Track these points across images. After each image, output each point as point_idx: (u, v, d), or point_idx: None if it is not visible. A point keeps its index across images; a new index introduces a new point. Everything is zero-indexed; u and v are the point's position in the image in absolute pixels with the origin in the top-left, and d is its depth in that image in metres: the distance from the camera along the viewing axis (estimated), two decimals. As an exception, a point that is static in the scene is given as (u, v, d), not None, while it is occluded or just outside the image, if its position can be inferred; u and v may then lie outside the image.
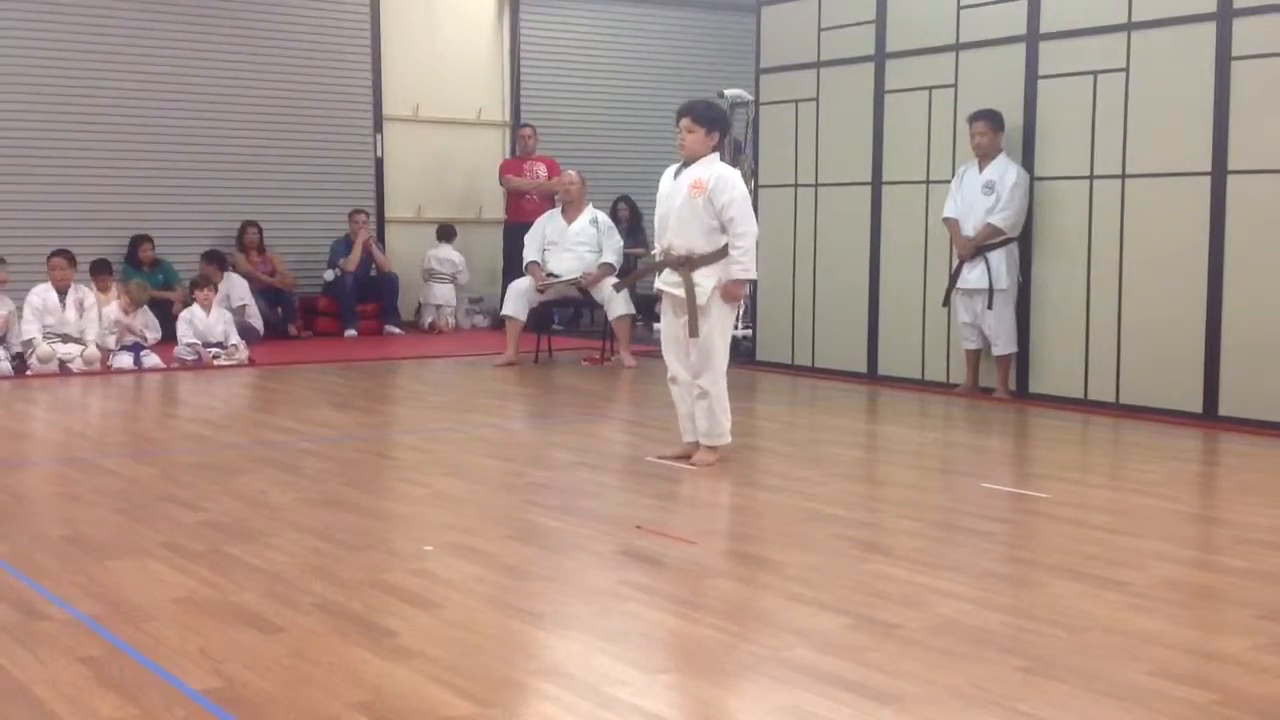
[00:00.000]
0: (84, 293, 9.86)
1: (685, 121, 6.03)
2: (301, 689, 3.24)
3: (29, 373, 9.45)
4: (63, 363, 9.53)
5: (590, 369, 10.13)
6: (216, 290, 10.82)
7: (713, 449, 6.14)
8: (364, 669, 3.38)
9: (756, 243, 6.06)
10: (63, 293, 9.73)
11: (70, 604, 3.94)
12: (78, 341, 9.70)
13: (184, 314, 10.35)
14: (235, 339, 10.36)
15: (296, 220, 12.75)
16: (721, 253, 5.97)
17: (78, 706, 3.13)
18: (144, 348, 10.02)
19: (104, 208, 11.77)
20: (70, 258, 9.87)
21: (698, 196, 5.95)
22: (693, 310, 5.96)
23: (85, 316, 9.76)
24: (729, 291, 5.98)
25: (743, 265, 5.96)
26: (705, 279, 5.97)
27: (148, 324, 10.23)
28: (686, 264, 5.99)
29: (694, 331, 5.98)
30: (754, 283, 9.85)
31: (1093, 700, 3.18)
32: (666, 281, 6.13)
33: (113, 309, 10.04)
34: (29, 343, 9.52)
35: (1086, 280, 7.98)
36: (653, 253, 6.44)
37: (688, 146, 6.04)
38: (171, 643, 3.58)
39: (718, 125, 6.09)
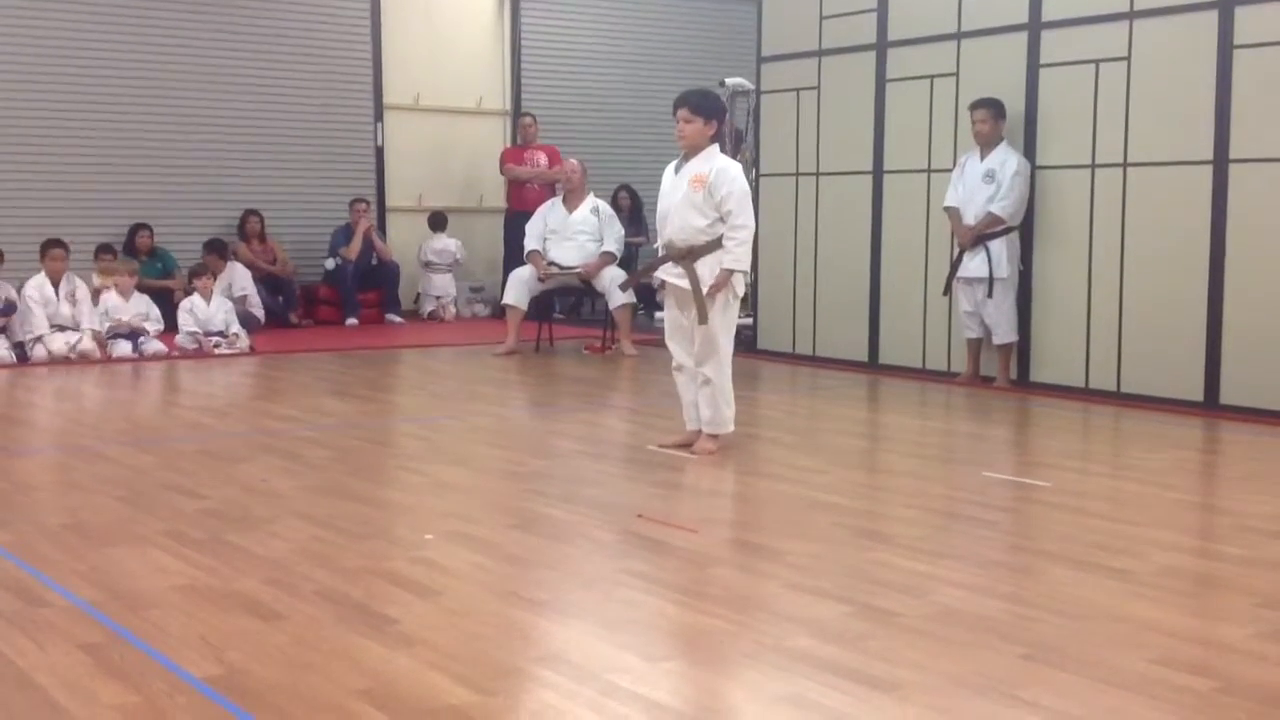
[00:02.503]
0: (76, 283, 9.87)
1: (683, 112, 6.02)
2: (303, 676, 3.24)
3: (30, 361, 9.45)
4: (70, 346, 9.54)
5: (591, 358, 10.13)
6: (215, 279, 10.79)
7: (714, 437, 6.14)
8: (365, 656, 3.38)
9: (753, 237, 6.04)
10: (56, 284, 9.74)
11: (71, 591, 3.94)
12: (74, 330, 9.72)
13: (184, 303, 10.34)
14: (236, 328, 10.35)
15: (297, 209, 12.74)
16: (721, 242, 5.97)
17: (79, 694, 3.13)
18: (144, 334, 9.98)
19: (105, 196, 11.76)
20: (66, 248, 9.89)
21: (698, 191, 5.95)
22: (699, 300, 5.95)
23: (78, 307, 9.77)
24: (717, 282, 5.94)
25: (734, 256, 5.94)
26: (707, 269, 5.97)
27: (149, 315, 10.17)
28: (689, 256, 5.99)
29: (703, 319, 5.97)
30: (755, 272, 9.88)
31: (1093, 688, 3.18)
32: (670, 273, 6.14)
33: (112, 296, 10.01)
34: (39, 339, 9.51)
35: (1088, 269, 7.97)
36: (654, 245, 6.43)
37: (686, 137, 6.03)
38: (173, 630, 3.58)
39: (715, 114, 6.08)
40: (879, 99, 9.17)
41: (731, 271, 5.96)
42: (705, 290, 5.95)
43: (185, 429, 7.06)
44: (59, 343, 9.52)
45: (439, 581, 4.06)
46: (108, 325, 9.86)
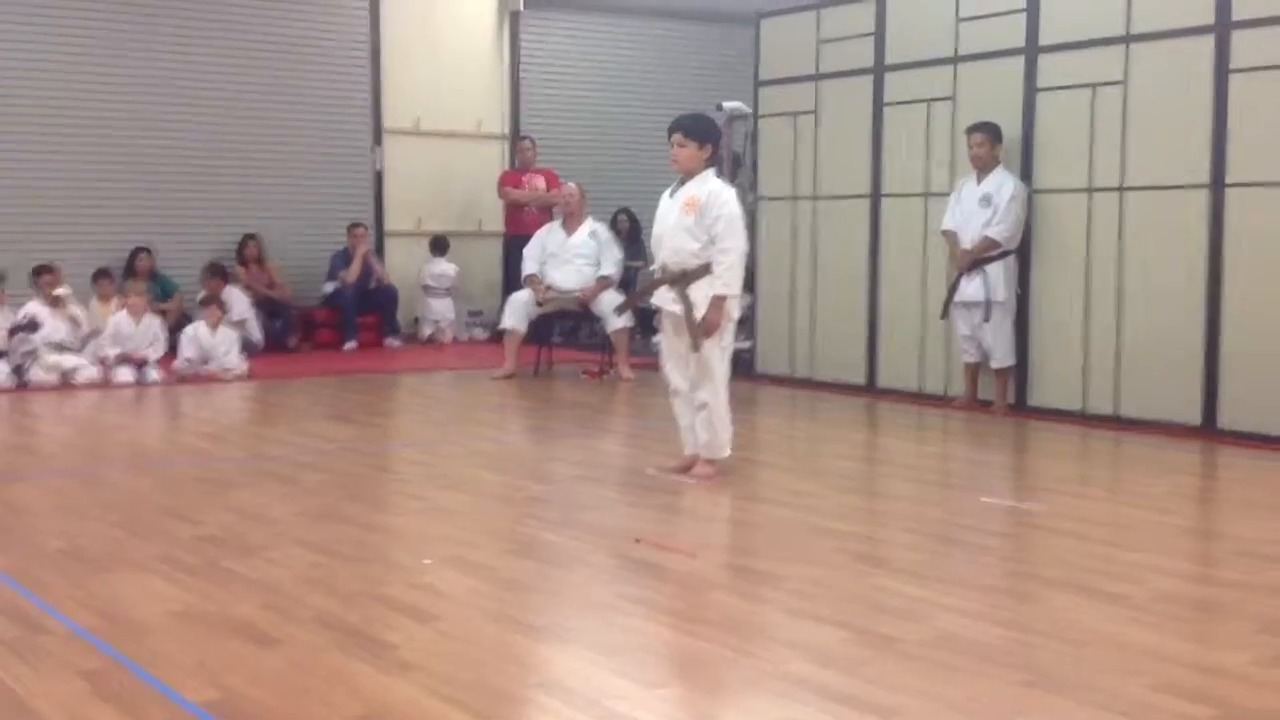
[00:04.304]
0: (73, 306, 9.92)
1: (676, 136, 6.03)
2: (300, 702, 3.23)
3: (30, 385, 9.44)
4: (64, 374, 9.54)
5: (589, 382, 10.13)
6: (223, 308, 10.67)
7: (712, 462, 6.14)
8: (362, 682, 3.37)
9: (744, 259, 6.00)
10: (51, 307, 9.78)
11: (69, 617, 3.93)
12: (73, 351, 9.73)
13: (188, 329, 10.29)
14: (236, 360, 10.23)
15: (296, 233, 12.75)
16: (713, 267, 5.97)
17: (76, 720, 3.12)
18: (147, 362, 9.94)
19: (104, 222, 11.77)
20: (58, 272, 9.99)
21: (690, 214, 5.95)
22: (692, 326, 5.95)
23: (78, 330, 9.82)
24: (709, 320, 5.92)
25: (724, 281, 5.91)
26: (701, 293, 5.96)
27: (156, 339, 10.13)
28: (682, 280, 5.99)
29: (696, 346, 5.96)
30: (753, 295, 9.89)
31: (1092, 714, 3.17)
32: (664, 298, 6.13)
33: (122, 317, 9.99)
34: (31, 353, 9.52)
35: (1085, 293, 7.98)
36: (651, 269, 6.44)
37: (680, 161, 6.04)
38: (170, 656, 3.57)
39: (709, 138, 6.09)
40: (876, 123, 9.19)
41: (724, 298, 5.95)
42: (699, 324, 5.93)
43: (183, 454, 7.05)
44: (52, 360, 9.52)
45: (437, 607, 4.05)
46: (116, 353, 9.81)
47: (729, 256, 5.91)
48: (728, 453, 6.17)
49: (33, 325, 9.55)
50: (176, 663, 3.52)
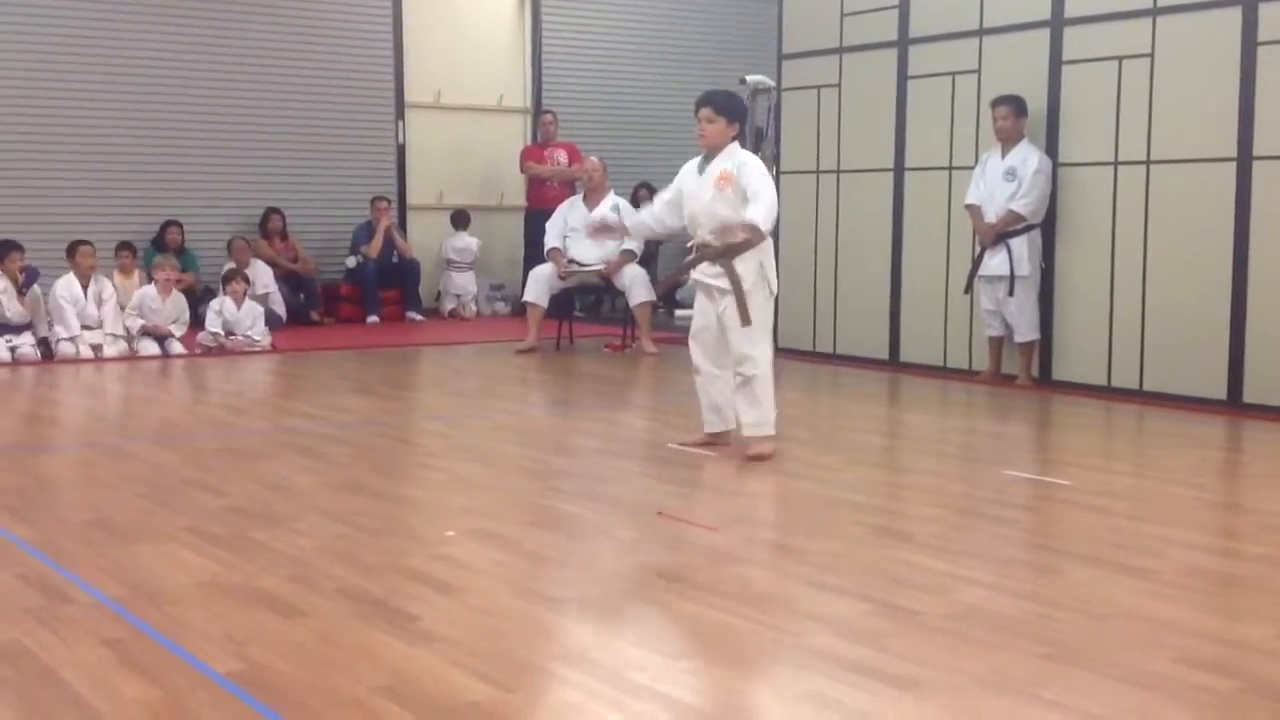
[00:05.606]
0: (103, 284, 9.93)
1: (705, 112, 5.99)
2: (324, 672, 3.26)
3: (55, 358, 9.50)
4: (95, 346, 9.59)
5: (611, 355, 10.14)
6: (247, 281, 10.72)
7: (766, 439, 5.96)
8: (386, 653, 3.39)
9: (774, 207, 5.82)
10: (85, 284, 9.80)
11: (95, 587, 3.96)
12: (98, 329, 9.78)
13: (214, 303, 10.34)
14: (260, 333, 10.29)
15: (319, 207, 12.77)
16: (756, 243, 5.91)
17: (102, 689, 3.15)
18: (170, 337, 9.99)
19: (127, 195, 11.80)
20: (94, 247, 10.01)
21: (726, 188, 5.90)
22: (740, 299, 5.86)
23: (103, 309, 9.82)
24: (729, 229, 5.77)
25: (753, 210, 5.73)
26: (745, 266, 5.90)
27: (180, 318, 10.17)
28: (727, 254, 5.92)
29: (746, 320, 5.87)
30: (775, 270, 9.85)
31: (1114, 687, 3.17)
32: (706, 273, 6.05)
33: (150, 291, 10.02)
34: (74, 339, 9.55)
35: (1110, 267, 7.94)
36: (688, 245, 6.35)
37: (708, 137, 6.00)
38: (195, 626, 3.60)
39: (738, 116, 6.05)
40: (900, 96, 9.15)
41: (754, 225, 5.73)
42: (754, 284, 5.84)
43: (208, 426, 7.09)
44: (87, 344, 9.57)
45: (459, 578, 4.07)
46: (140, 325, 9.86)
47: (761, 199, 5.77)
48: (771, 429, 5.99)
49: (32, 274, 9.59)
50: (202, 632, 3.54)
